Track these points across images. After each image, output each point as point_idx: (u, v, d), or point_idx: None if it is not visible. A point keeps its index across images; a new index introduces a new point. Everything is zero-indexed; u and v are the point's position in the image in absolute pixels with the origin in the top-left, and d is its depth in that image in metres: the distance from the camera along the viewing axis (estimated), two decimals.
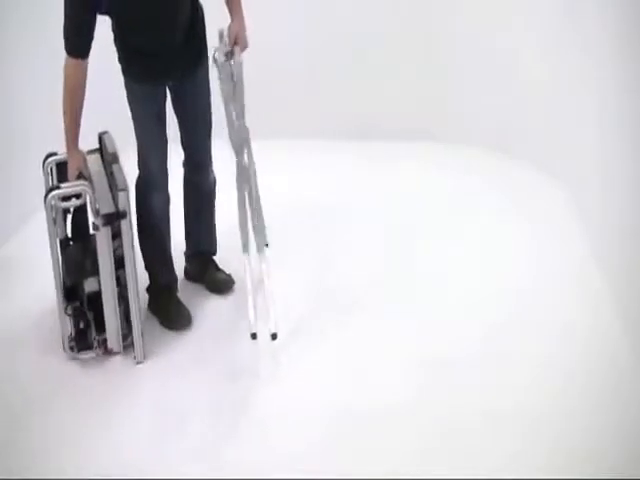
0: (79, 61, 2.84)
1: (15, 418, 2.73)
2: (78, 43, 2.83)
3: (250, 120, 3.01)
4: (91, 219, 2.95)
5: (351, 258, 3.52)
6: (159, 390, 2.86)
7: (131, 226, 2.85)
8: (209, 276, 3.33)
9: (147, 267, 3.19)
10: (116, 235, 2.85)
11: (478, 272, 3.50)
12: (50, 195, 2.82)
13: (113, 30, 2.93)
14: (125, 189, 2.80)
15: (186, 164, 3.19)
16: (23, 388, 2.87)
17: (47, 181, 3.07)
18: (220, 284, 3.31)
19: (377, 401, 2.77)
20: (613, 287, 3.23)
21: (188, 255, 3.38)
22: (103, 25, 4.34)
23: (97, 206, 2.85)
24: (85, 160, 2.94)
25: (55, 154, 3.08)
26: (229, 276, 3.32)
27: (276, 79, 4.78)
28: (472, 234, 3.79)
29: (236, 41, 2.97)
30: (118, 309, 2.94)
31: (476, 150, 4.59)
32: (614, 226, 3.29)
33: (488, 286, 3.39)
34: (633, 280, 3.00)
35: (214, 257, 3.37)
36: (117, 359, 2.99)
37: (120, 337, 2.97)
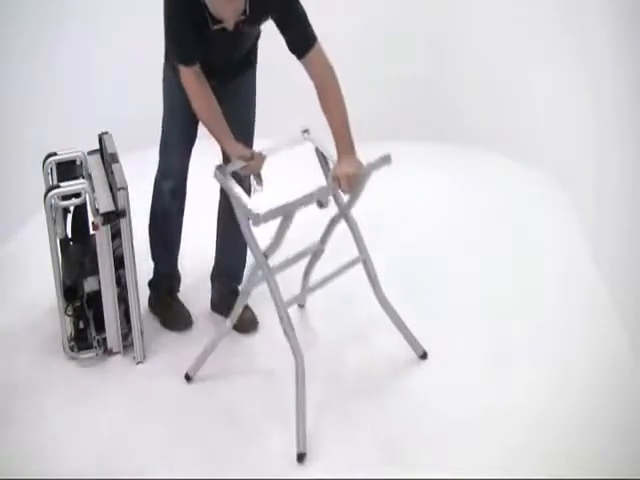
0: (194, 68, 2.69)
1: (14, 418, 2.73)
2: (190, 52, 2.68)
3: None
4: (91, 218, 2.95)
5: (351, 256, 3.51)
6: (159, 390, 2.85)
7: (131, 225, 2.84)
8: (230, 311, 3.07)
9: (151, 252, 3.19)
10: (116, 235, 2.85)
11: (477, 272, 3.50)
12: (50, 194, 2.82)
13: None
14: (124, 188, 2.80)
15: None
16: (23, 388, 2.87)
17: (47, 181, 3.07)
18: (243, 323, 3.04)
19: (375, 400, 2.77)
20: (613, 287, 3.24)
21: (212, 277, 3.25)
22: (105, 28, 4.36)
23: (96, 205, 2.85)
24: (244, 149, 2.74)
25: (55, 154, 3.08)
26: (253, 315, 3.12)
27: (278, 79, 4.78)
28: (471, 234, 3.79)
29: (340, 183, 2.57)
30: (118, 309, 2.94)
31: (476, 150, 4.60)
32: (613, 226, 3.29)
33: (488, 286, 3.40)
34: (633, 280, 3.01)
35: (239, 288, 3.16)
36: (117, 359, 2.99)
37: (120, 337, 2.97)
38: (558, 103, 4.14)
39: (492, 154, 4.55)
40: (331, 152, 2.72)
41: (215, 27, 2.60)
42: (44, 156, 3.09)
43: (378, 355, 2.98)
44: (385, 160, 2.66)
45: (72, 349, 2.97)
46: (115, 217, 2.81)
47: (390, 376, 2.89)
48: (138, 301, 2.93)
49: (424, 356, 2.94)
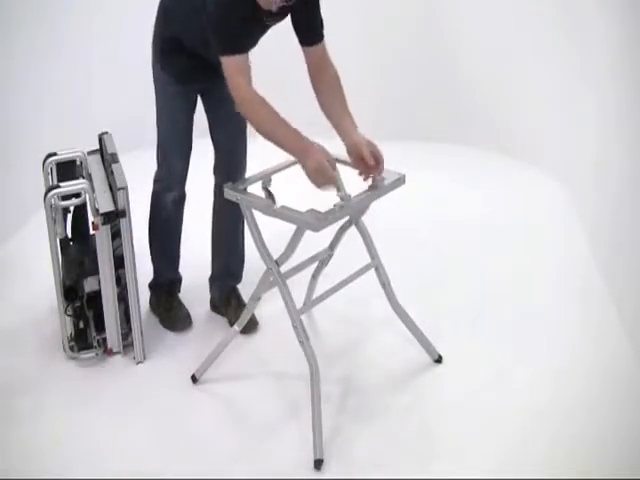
0: (245, 56, 2.48)
1: (14, 418, 2.73)
2: (242, 40, 2.49)
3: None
4: (91, 218, 2.95)
5: (351, 256, 3.51)
6: (159, 390, 2.85)
7: (131, 225, 2.84)
8: (231, 312, 3.14)
9: (153, 261, 3.20)
10: (116, 235, 2.85)
11: (477, 272, 3.50)
12: (50, 194, 2.82)
13: (168, 28, 2.80)
14: (124, 188, 2.79)
15: (218, 171, 3.04)
16: (23, 388, 2.86)
17: (47, 181, 3.07)
18: (247, 325, 2.96)
19: (377, 401, 2.77)
20: (613, 286, 3.24)
21: (211, 279, 3.24)
22: (104, 27, 4.37)
23: (96, 205, 2.85)
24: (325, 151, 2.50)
25: (55, 154, 3.08)
26: (253, 315, 3.04)
27: (278, 79, 4.78)
28: (471, 234, 3.80)
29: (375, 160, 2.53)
30: (118, 309, 2.94)
31: (476, 150, 4.60)
32: (613, 226, 3.29)
33: (487, 286, 3.40)
34: (633, 279, 3.01)
35: (239, 287, 3.21)
36: (117, 359, 2.99)
37: (120, 337, 2.97)
38: (558, 103, 4.14)
39: (492, 154, 4.56)
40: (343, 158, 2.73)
41: (267, 21, 2.55)
42: (44, 156, 3.09)
43: (390, 357, 2.98)
44: (399, 182, 2.64)
45: (72, 349, 2.97)
46: (115, 217, 2.81)
47: (403, 378, 2.88)
48: (138, 301, 2.93)
49: (439, 360, 2.93)
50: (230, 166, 3.00)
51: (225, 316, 3.17)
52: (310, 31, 2.62)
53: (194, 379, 2.85)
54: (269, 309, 3.06)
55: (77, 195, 2.88)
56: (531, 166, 4.36)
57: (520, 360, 2.95)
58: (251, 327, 3.08)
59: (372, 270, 2.81)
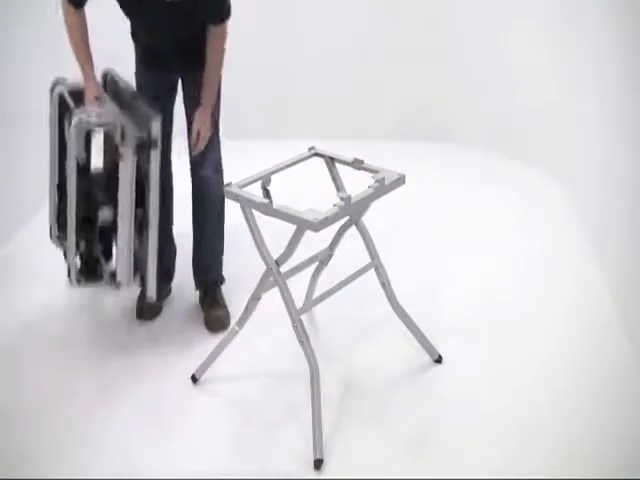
0: (73, 9, 2.86)
1: (14, 418, 2.72)
2: None
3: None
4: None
5: (351, 256, 3.51)
6: (159, 390, 2.85)
7: (158, 159, 2.73)
8: (203, 307, 3.17)
9: None
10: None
11: (477, 272, 3.50)
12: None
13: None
14: (158, 119, 2.70)
15: (190, 161, 3.06)
16: (22, 388, 2.86)
17: (53, 112, 3.00)
18: (211, 321, 3.11)
19: (377, 401, 2.78)
20: (613, 287, 3.24)
21: (194, 274, 3.23)
22: (107, 27, 4.36)
23: (123, 131, 2.73)
24: (101, 89, 2.93)
25: (64, 80, 3.02)
26: (225, 312, 3.13)
27: (278, 79, 4.78)
28: (472, 234, 3.80)
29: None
30: (132, 243, 2.82)
31: (476, 150, 4.60)
32: (614, 226, 3.29)
33: (487, 286, 3.39)
34: (633, 280, 3.01)
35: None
36: (117, 359, 2.97)
37: (131, 270, 2.86)
38: (558, 103, 4.14)
39: (492, 154, 4.56)
40: (343, 158, 2.77)
41: None
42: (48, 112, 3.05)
43: (390, 357, 2.98)
44: (399, 182, 2.65)
45: (79, 282, 2.92)
46: (146, 148, 2.70)
47: (404, 378, 2.88)
48: (156, 240, 2.84)
49: (439, 360, 2.93)
50: (195, 156, 3.02)
51: (210, 310, 3.15)
52: (204, 15, 2.83)
53: (194, 379, 2.85)
54: (269, 309, 3.05)
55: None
56: (531, 166, 4.36)
57: (520, 360, 2.95)
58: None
59: (372, 270, 2.81)
